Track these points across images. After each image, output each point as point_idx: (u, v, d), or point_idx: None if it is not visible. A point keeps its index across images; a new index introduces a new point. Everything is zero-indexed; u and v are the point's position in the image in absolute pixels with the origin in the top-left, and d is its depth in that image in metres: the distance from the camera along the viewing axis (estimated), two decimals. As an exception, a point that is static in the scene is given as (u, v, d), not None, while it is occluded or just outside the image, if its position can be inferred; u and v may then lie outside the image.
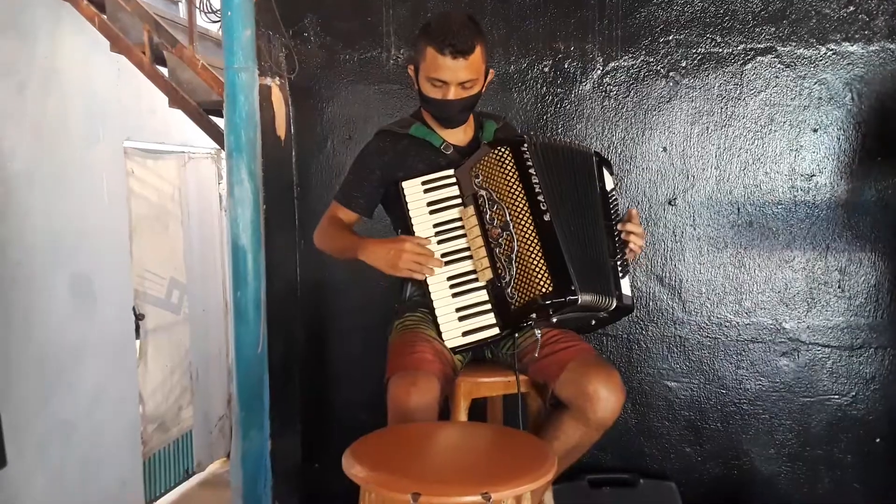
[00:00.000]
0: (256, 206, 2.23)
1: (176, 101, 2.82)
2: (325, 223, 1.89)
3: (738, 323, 2.33)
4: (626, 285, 1.76)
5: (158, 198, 4.15)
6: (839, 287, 2.27)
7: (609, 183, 1.84)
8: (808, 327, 2.30)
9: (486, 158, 1.72)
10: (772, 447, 2.35)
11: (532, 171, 1.69)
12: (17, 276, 2.92)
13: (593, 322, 1.80)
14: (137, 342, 3.98)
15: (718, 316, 2.34)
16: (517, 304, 1.64)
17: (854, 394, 2.31)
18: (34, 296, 3.03)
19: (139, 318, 3.91)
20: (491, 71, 1.82)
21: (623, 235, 1.77)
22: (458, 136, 1.86)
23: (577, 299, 1.61)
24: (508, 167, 1.69)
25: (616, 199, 1.84)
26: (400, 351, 1.70)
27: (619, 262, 1.74)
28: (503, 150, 1.71)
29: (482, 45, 1.73)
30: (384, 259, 1.70)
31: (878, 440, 2.31)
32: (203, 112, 2.80)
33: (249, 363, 2.25)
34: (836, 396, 2.31)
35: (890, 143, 2.21)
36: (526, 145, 1.72)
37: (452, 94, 1.72)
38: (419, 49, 1.74)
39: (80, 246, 3.32)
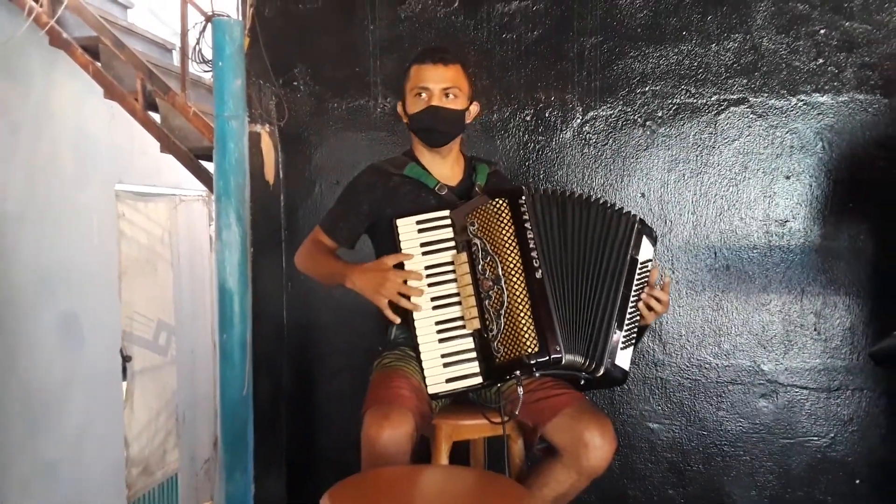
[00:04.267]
0: (244, 249, 2.27)
1: (167, 146, 2.88)
2: (308, 246, 1.92)
3: (717, 365, 2.37)
4: (625, 356, 1.75)
5: (148, 240, 4.20)
6: (815, 330, 2.32)
7: (646, 253, 1.80)
8: (785, 369, 2.34)
9: (483, 208, 1.72)
10: (753, 489, 2.36)
11: (528, 225, 1.69)
12: (4, 314, 2.94)
13: (582, 382, 1.78)
14: (124, 384, 3.97)
15: (698, 358, 2.38)
16: (502, 358, 1.64)
17: (833, 435, 2.34)
18: (21, 335, 3.04)
19: (126, 359, 3.91)
20: (476, 102, 1.89)
21: (645, 298, 1.76)
22: (448, 176, 1.88)
23: (560, 359, 1.63)
24: (504, 220, 1.70)
25: (648, 271, 1.80)
26: (377, 387, 1.72)
27: (625, 335, 1.74)
28: (501, 202, 1.72)
29: (464, 65, 1.85)
30: (370, 285, 1.70)
31: (858, 482, 2.33)
32: (193, 157, 2.86)
33: (234, 405, 2.27)
34: (816, 438, 2.34)
35: (861, 190, 2.28)
36: (524, 198, 1.72)
37: (436, 99, 1.79)
38: (405, 77, 1.85)
39: (69, 286, 3.34)
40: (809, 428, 2.34)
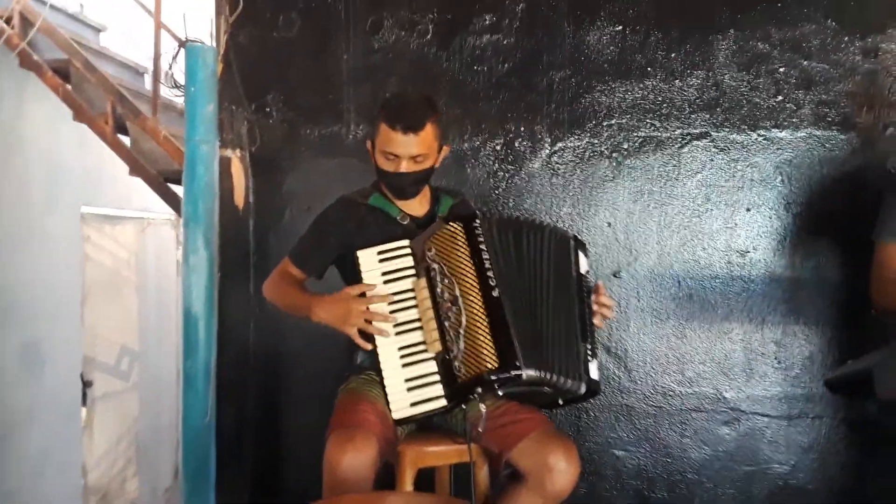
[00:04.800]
0: (211, 274, 2.26)
1: (137, 169, 2.87)
2: (276, 277, 1.93)
3: (681, 392, 2.41)
4: (594, 368, 1.78)
5: (114, 263, 4.14)
6: (776, 358, 2.37)
7: (584, 266, 1.87)
8: (747, 397, 2.38)
9: (440, 233, 1.76)
10: (717, 517, 2.39)
11: (483, 247, 1.72)
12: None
13: (560, 402, 1.82)
14: (84, 410, 3.88)
15: (662, 385, 2.42)
16: (464, 377, 1.66)
17: (793, 462, 2.38)
18: (-21, 360, 2.97)
19: (87, 384, 3.82)
20: (445, 147, 1.90)
21: (596, 308, 1.83)
22: (416, 207, 1.92)
23: (521, 374, 1.64)
24: (460, 242, 1.73)
25: (590, 282, 1.87)
26: (341, 411, 1.72)
27: (589, 348, 1.78)
28: (455, 225, 1.76)
29: (434, 123, 1.81)
30: (335, 316, 1.73)
31: (819, 509, 2.37)
32: (163, 181, 2.84)
33: (197, 433, 2.23)
34: (777, 465, 2.38)
35: (818, 222, 2.36)
36: (478, 221, 1.76)
37: (404, 167, 1.80)
38: (375, 125, 1.83)
39: (32, 309, 3.28)
40: (771, 455, 2.38)
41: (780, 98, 2.37)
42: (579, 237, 1.91)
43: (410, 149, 1.78)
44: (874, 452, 2.32)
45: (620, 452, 2.43)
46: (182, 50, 2.41)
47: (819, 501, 2.36)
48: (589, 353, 1.78)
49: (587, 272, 1.88)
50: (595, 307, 1.83)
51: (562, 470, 1.65)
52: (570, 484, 1.67)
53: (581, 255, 1.88)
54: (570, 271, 1.83)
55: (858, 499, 2.33)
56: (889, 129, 2.31)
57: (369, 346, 1.73)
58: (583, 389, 1.73)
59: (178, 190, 2.83)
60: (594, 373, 1.79)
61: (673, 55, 2.39)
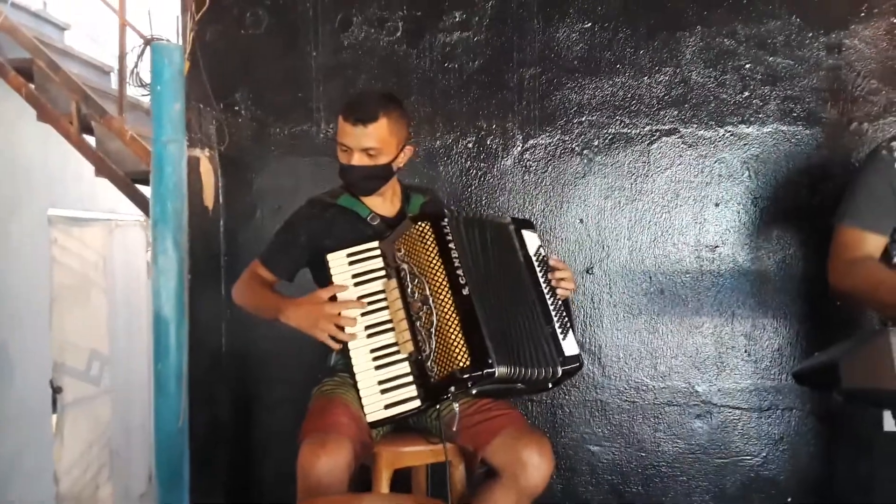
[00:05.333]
0: (181, 276, 2.22)
1: (103, 170, 2.82)
2: (246, 278, 1.92)
3: (654, 387, 2.43)
4: (569, 344, 1.79)
5: (82, 266, 4.07)
6: (746, 351, 2.40)
7: (532, 245, 1.87)
8: (719, 390, 2.41)
9: (408, 233, 1.76)
10: (690, 509, 2.42)
11: (452, 245, 1.73)
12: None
13: (550, 385, 1.80)
14: (54, 416, 3.81)
15: (636, 380, 2.43)
16: (437, 377, 1.65)
17: (765, 454, 2.41)
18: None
19: (56, 390, 3.75)
20: (409, 147, 1.89)
21: (554, 283, 1.83)
22: (386, 207, 1.91)
23: (493, 372, 1.63)
24: (429, 242, 1.73)
25: (544, 257, 1.87)
26: (315, 414, 1.71)
27: (557, 326, 1.77)
28: (424, 225, 1.76)
29: (392, 117, 1.80)
30: (306, 320, 1.72)
31: (789, 500, 2.41)
32: (130, 182, 2.80)
33: (169, 438, 2.20)
34: (748, 457, 2.41)
35: (785, 217, 2.39)
36: (446, 220, 1.76)
37: (356, 159, 1.79)
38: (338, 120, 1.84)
39: (-2, 315, 3.21)
40: (742, 447, 2.41)
41: (746, 94, 2.40)
42: (518, 217, 1.91)
43: (361, 140, 1.78)
44: (841, 443, 2.36)
45: (595, 448, 2.44)
46: (148, 48, 2.37)
47: (789, 492, 2.40)
48: (559, 331, 1.77)
49: (539, 247, 1.88)
50: (553, 282, 1.83)
51: (535, 465, 1.65)
52: (544, 479, 1.67)
53: (526, 233, 1.87)
54: (516, 257, 1.83)
55: (827, 489, 2.37)
56: (853, 124, 2.35)
57: (339, 346, 1.72)
58: (559, 373, 1.73)
59: (146, 191, 2.78)
60: (570, 349, 1.78)
61: (641, 52, 2.41)
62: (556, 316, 1.79)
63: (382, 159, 1.81)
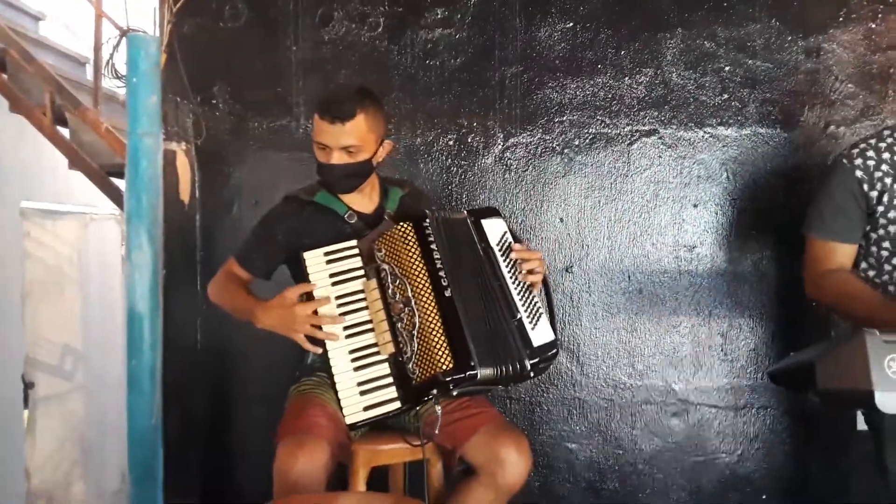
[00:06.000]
0: (155, 271, 2.19)
1: (77, 163, 2.77)
2: (222, 278, 1.89)
3: (631, 385, 2.44)
4: (540, 332, 1.72)
5: (56, 260, 3.99)
6: (722, 351, 2.43)
7: (496, 233, 1.80)
8: (695, 389, 2.43)
9: (389, 233, 1.72)
10: (666, 506, 2.44)
11: (434, 246, 1.69)
12: None
13: (532, 375, 1.72)
14: (25, 412, 3.75)
15: (614, 378, 2.45)
16: (418, 379, 1.63)
17: (740, 452, 2.43)
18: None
19: (28, 386, 3.68)
20: (388, 142, 1.86)
21: (521, 276, 1.75)
22: (364, 203, 1.88)
23: (476, 374, 1.61)
24: (411, 243, 1.70)
25: (509, 244, 1.79)
26: (291, 415, 1.69)
27: (525, 317, 1.71)
28: (406, 226, 1.72)
29: (369, 113, 1.76)
30: (279, 322, 1.69)
31: (764, 497, 2.43)
32: (105, 175, 2.75)
33: (143, 435, 2.17)
34: (724, 455, 2.44)
35: (762, 218, 2.42)
36: (428, 220, 1.72)
37: (335, 158, 1.76)
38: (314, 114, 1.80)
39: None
40: (718, 445, 2.43)
41: (725, 96, 2.41)
42: (476, 207, 1.85)
43: (339, 139, 1.74)
44: (816, 441, 2.39)
45: (573, 445, 2.45)
46: (123, 39, 2.33)
47: (764, 489, 2.43)
48: (527, 321, 1.71)
49: (504, 234, 1.81)
50: (520, 274, 1.75)
51: (513, 462, 1.65)
52: (522, 476, 1.67)
53: (488, 222, 1.80)
54: (476, 250, 1.75)
55: (801, 487, 2.40)
56: (830, 128, 2.38)
57: (319, 350, 1.69)
58: (527, 367, 1.66)
59: (121, 184, 2.74)
60: (540, 338, 1.72)
61: (622, 53, 2.42)
62: (523, 306, 1.72)
63: (362, 156, 1.79)
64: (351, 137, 1.75)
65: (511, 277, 1.75)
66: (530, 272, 1.77)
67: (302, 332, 1.68)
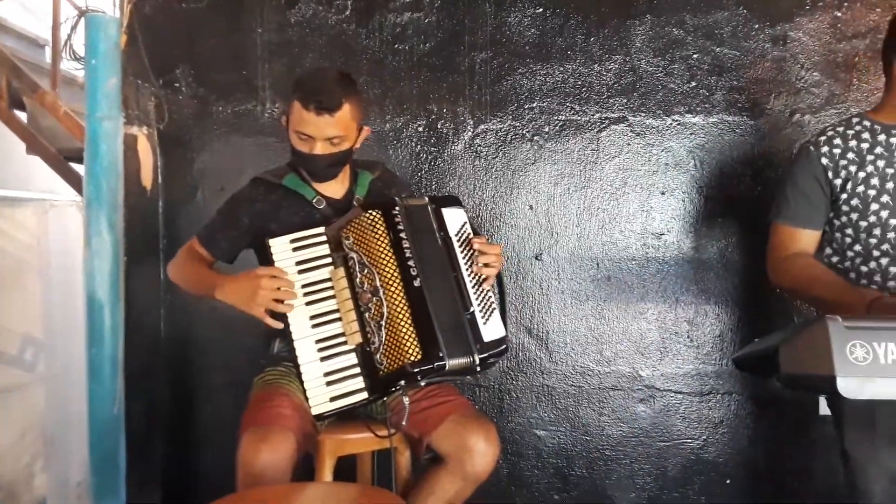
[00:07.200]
0: (116, 258, 2.14)
1: (34, 147, 2.68)
2: (182, 256, 1.85)
3: (599, 371, 2.45)
4: (491, 327, 1.70)
5: (15, 248, 3.88)
6: (688, 337, 2.45)
7: (456, 223, 1.77)
8: (661, 375, 2.45)
9: (358, 221, 1.68)
10: (633, 491, 2.46)
11: (403, 235, 1.66)
12: None
13: (478, 370, 1.70)
14: (-17, 404, 3.65)
15: (582, 365, 2.45)
16: (386, 370, 1.61)
17: (705, 437, 2.46)
18: None
19: (-14, 377, 3.58)
20: (366, 128, 1.83)
21: (476, 268, 1.72)
22: (334, 188, 1.85)
23: (444, 365, 1.60)
24: (380, 231, 1.66)
25: (468, 235, 1.77)
26: (256, 406, 1.66)
27: (478, 310, 1.69)
28: (374, 213, 1.68)
29: (352, 102, 1.72)
30: (242, 295, 1.64)
31: (728, 481, 2.47)
32: (64, 160, 2.67)
33: (104, 424, 2.13)
34: (690, 440, 2.46)
35: (728, 205, 2.43)
36: (397, 208, 1.69)
37: (319, 148, 1.72)
38: (289, 102, 1.74)
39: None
40: (684, 431, 2.46)
41: (693, 84, 2.42)
42: (437, 195, 1.83)
43: (325, 130, 1.70)
44: (779, 426, 2.43)
45: (541, 432, 2.46)
46: (82, 20, 2.26)
47: (729, 474, 2.46)
48: (480, 315, 1.69)
49: (464, 224, 1.78)
50: (476, 266, 1.73)
51: (481, 451, 1.65)
52: (490, 464, 1.67)
53: (448, 210, 1.77)
54: (434, 238, 1.72)
55: (765, 471, 2.43)
56: (796, 116, 2.40)
57: (280, 325, 1.65)
58: (476, 360, 1.64)
59: (81, 169, 2.67)
60: (491, 333, 1.69)
61: (592, 39, 2.41)
62: (476, 299, 1.70)
63: (345, 145, 1.75)
64: (337, 129, 1.71)
65: (467, 269, 1.72)
66: (486, 265, 1.74)
67: (263, 305, 1.63)
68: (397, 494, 1.74)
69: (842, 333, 1.28)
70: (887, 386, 1.27)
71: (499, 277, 1.80)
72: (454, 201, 1.83)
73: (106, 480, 2.15)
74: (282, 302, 1.64)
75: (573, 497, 2.45)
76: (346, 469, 1.82)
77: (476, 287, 1.73)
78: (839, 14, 2.37)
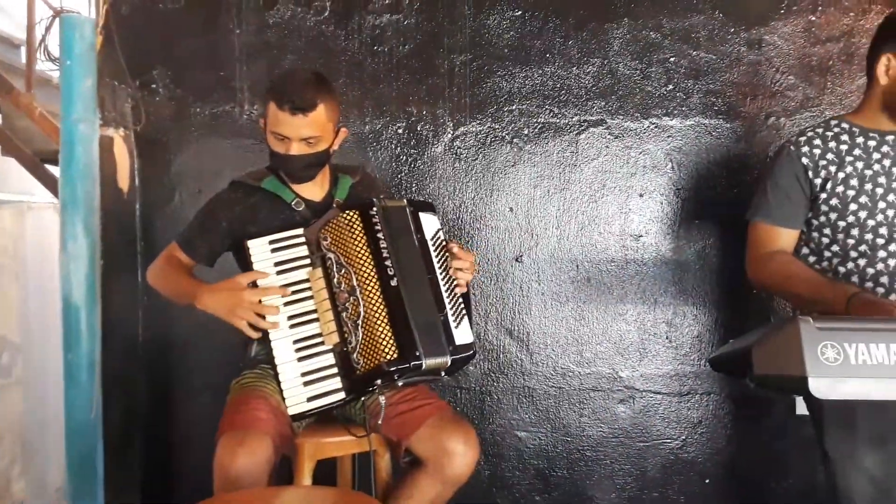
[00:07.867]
0: (92, 261, 2.12)
1: (10, 149, 2.66)
2: (162, 261, 1.84)
3: (579, 373, 2.47)
4: (462, 332, 1.73)
5: (-10, 250, 3.83)
6: (667, 338, 2.46)
7: (430, 228, 1.79)
8: (641, 376, 2.47)
9: (335, 221, 1.69)
10: (613, 491, 2.47)
11: (380, 235, 1.67)
12: None
13: (444, 374, 1.74)
14: (-42, 409, 3.60)
15: (562, 366, 2.47)
16: (363, 369, 1.62)
17: (684, 437, 2.48)
18: None
19: (-39, 382, 3.54)
20: (343, 129, 1.83)
21: (451, 271, 1.75)
22: (313, 191, 1.85)
23: (421, 364, 1.61)
24: (357, 232, 1.67)
25: (443, 241, 1.80)
26: (232, 410, 1.65)
27: (450, 314, 1.71)
28: (352, 214, 1.69)
29: (328, 102, 1.73)
30: (223, 306, 1.65)
31: (707, 481, 2.49)
32: (39, 162, 2.64)
33: (81, 428, 2.11)
34: (669, 440, 2.48)
35: (705, 207, 2.45)
36: (375, 209, 1.70)
37: (295, 149, 1.72)
38: (265, 103, 1.75)
39: None
40: (663, 431, 2.48)
41: (670, 87, 2.44)
42: (416, 199, 1.84)
43: (300, 130, 1.70)
44: (757, 426, 2.45)
45: (522, 433, 2.47)
46: (57, 20, 2.23)
47: (707, 473, 2.48)
48: (452, 319, 1.70)
49: (438, 230, 1.81)
50: (450, 270, 1.75)
51: (461, 454, 1.65)
52: (469, 467, 1.67)
53: (425, 216, 1.79)
54: (412, 240, 1.73)
55: (743, 470, 2.46)
56: (771, 119, 2.43)
57: (258, 335, 1.67)
58: (448, 362, 1.66)
59: (57, 171, 2.64)
60: (462, 337, 1.72)
61: (570, 42, 2.42)
62: (449, 303, 1.72)
63: (322, 146, 1.75)
64: (312, 129, 1.71)
65: (441, 273, 1.74)
66: (459, 270, 1.77)
67: (244, 319, 1.64)
68: (377, 498, 1.74)
69: (813, 334, 1.30)
70: (858, 386, 1.29)
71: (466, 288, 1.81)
72: (430, 208, 1.85)
73: (84, 484, 2.13)
74: (263, 317, 1.64)
75: (554, 498, 2.46)
76: (325, 473, 1.82)
77: (449, 291, 1.75)
78: (813, 18, 2.40)
